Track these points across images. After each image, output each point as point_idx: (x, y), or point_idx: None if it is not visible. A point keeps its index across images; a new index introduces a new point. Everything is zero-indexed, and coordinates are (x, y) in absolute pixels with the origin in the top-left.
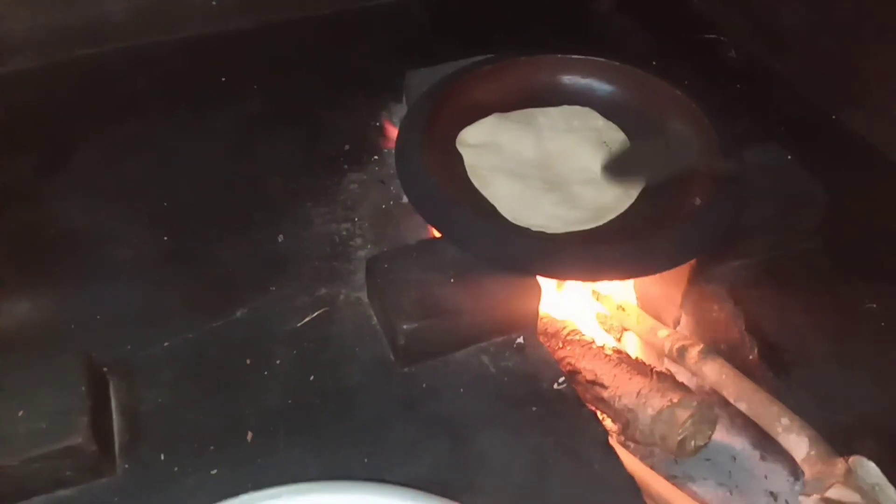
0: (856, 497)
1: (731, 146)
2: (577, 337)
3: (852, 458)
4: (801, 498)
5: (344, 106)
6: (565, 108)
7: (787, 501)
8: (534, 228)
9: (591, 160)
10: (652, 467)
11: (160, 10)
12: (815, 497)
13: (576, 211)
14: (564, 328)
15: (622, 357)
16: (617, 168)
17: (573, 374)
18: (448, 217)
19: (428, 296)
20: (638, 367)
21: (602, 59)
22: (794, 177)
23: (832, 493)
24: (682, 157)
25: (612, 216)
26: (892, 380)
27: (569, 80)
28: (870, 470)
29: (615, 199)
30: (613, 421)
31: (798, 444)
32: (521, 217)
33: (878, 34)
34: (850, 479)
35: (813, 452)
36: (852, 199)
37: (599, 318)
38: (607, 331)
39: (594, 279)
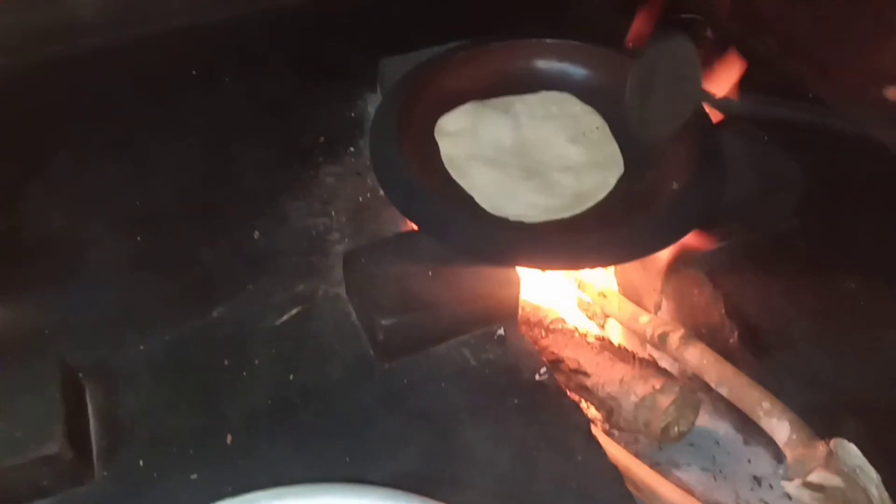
0: (837, 480)
1: (707, 128)
2: (560, 325)
3: (833, 441)
4: (783, 483)
5: (318, 97)
6: (543, 94)
7: (770, 485)
8: (511, 218)
9: (568, 147)
10: (636, 454)
11: (130, 4)
12: (797, 481)
13: (554, 199)
14: (547, 317)
15: (605, 344)
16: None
17: (556, 363)
18: (424, 209)
19: (406, 290)
20: (620, 354)
21: (577, 43)
22: (771, 157)
23: (814, 478)
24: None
25: (591, 203)
26: (873, 359)
27: (544, 64)
28: (851, 452)
29: (594, 186)
30: (597, 409)
31: (779, 427)
32: (499, 207)
33: (855, 11)
34: (831, 461)
35: (794, 436)
36: (830, 177)
37: (582, 306)
38: (590, 318)
39: (573, 268)
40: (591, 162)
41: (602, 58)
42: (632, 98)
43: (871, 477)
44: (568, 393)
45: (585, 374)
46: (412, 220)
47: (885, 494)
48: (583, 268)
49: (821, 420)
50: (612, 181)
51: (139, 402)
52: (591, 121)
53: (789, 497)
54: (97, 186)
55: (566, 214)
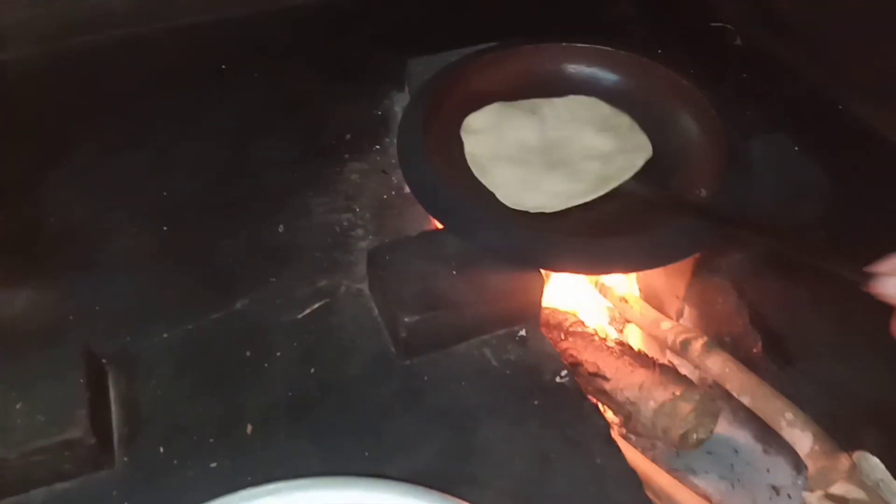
0: (860, 493)
1: (737, 137)
2: (580, 329)
3: (856, 454)
4: (804, 494)
5: (345, 94)
6: (571, 98)
7: (789, 495)
8: (532, 210)
9: (596, 139)
10: (654, 460)
11: None
12: (819, 493)
13: (577, 184)
14: (567, 320)
15: (624, 349)
16: None
17: (575, 367)
18: (450, 208)
19: (430, 288)
20: (640, 359)
21: (607, 48)
22: (799, 167)
23: (836, 489)
24: None
25: (615, 185)
26: None
27: (573, 68)
28: (874, 465)
29: (619, 169)
30: (615, 413)
31: (802, 439)
32: (519, 201)
33: (883, 20)
34: (854, 474)
35: (817, 448)
36: (857, 187)
37: (602, 310)
38: (610, 322)
39: (598, 272)
40: (618, 149)
41: (632, 64)
42: None
43: (894, 491)
44: (588, 396)
45: (605, 377)
46: (438, 219)
47: None
48: (608, 273)
49: (843, 432)
50: (639, 163)
51: (161, 391)
52: (621, 121)
53: None
54: (120, 177)
55: (589, 197)
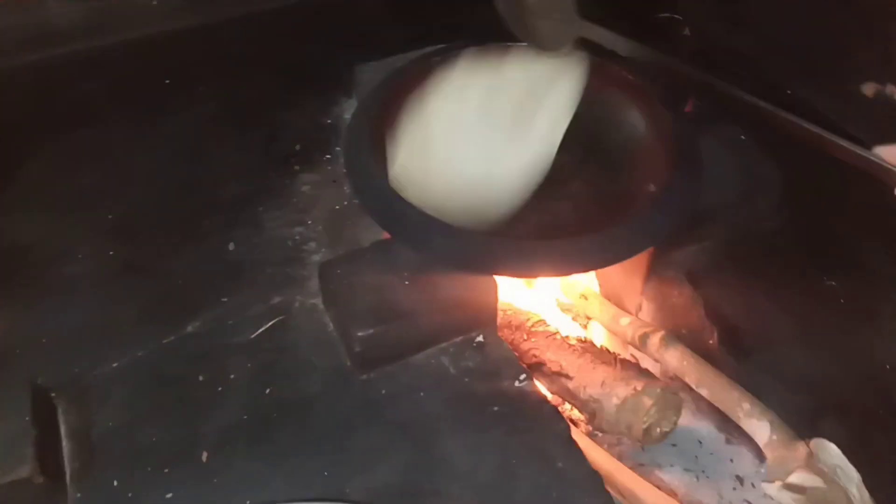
0: (817, 481)
1: (685, 129)
2: (542, 328)
3: (813, 441)
4: (763, 485)
5: (295, 104)
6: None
7: (753, 484)
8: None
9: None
10: (620, 456)
11: (107, 10)
12: (778, 484)
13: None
14: (529, 320)
15: (586, 346)
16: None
17: (539, 366)
18: (398, 217)
19: (383, 300)
20: (602, 356)
21: None
22: (751, 157)
23: (794, 479)
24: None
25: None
26: (854, 358)
27: None
28: (831, 452)
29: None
30: (581, 411)
31: (759, 428)
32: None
33: (835, 9)
34: (811, 462)
35: (774, 437)
36: (810, 176)
37: (565, 308)
38: (574, 319)
39: (551, 274)
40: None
41: None
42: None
43: (851, 477)
44: (549, 398)
45: (568, 376)
46: (387, 229)
47: (866, 494)
48: (562, 274)
49: (801, 420)
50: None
51: (113, 421)
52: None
53: (772, 497)
54: (70, 196)
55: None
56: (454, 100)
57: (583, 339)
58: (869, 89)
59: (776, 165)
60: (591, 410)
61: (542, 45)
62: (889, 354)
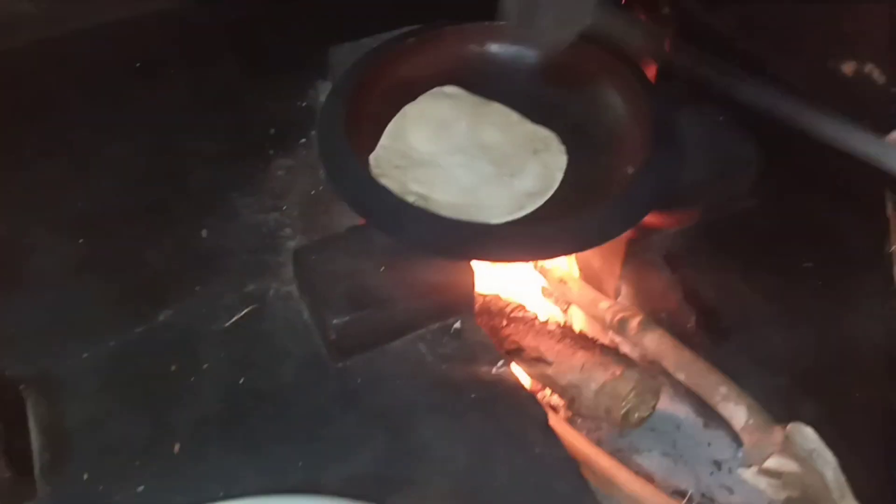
0: (793, 465)
1: (663, 110)
2: (521, 314)
3: (790, 426)
4: (740, 470)
5: (268, 87)
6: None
7: (730, 469)
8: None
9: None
10: (599, 441)
11: None
12: (754, 469)
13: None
14: (508, 305)
15: (566, 332)
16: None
17: (518, 352)
18: (372, 202)
19: (358, 286)
20: (581, 341)
21: None
22: (727, 138)
23: (770, 464)
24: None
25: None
26: (831, 340)
27: (498, 48)
28: (807, 436)
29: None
30: (560, 397)
31: (736, 412)
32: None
33: None
34: (787, 446)
35: (751, 421)
36: (787, 155)
37: (545, 292)
38: (555, 303)
39: (529, 259)
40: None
41: None
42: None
43: (827, 461)
44: (526, 384)
45: (547, 362)
46: (361, 215)
47: (842, 478)
48: (538, 259)
49: (779, 403)
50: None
51: (84, 413)
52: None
53: (748, 482)
54: (36, 188)
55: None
56: (438, 112)
57: (562, 325)
58: (848, 68)
59: (753, 146)
60: (571, 396)
61: (545, 33)
62: (866, 336)
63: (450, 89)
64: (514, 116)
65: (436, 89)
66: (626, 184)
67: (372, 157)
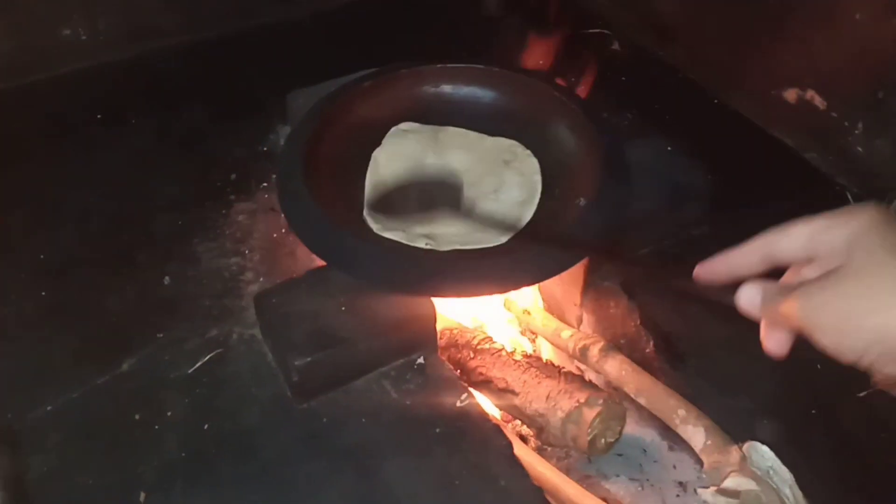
0: (751, 484)
1: (613, 143)
2: (488, 345)
3: (746, 445)
4: (699, 491)
5: (230, 132)
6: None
7: (695, 490)
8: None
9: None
10: (567, 469)
11: (33, 47)
12: (712, 489)
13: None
14: (475, 337)
15: (531, 361)
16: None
17: (486, 383)
18: (330, 243)
19: (320, 327)
20: (547, 370)
21: (481, 66)
22: (678, 166)
23: (728, 483)
24: None
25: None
26: (784, 361)
27: (451, 89)
28: (764, 454)
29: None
30: (528, 426)
31: (695, 434)
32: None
33: (756, 19)
34: (744, 466)
35: (709, 442)
36: (737, 179)
37: (510, 324)
38: (522, 333)
39: (483, 293)
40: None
41: (506, 79)
42: None
43: (784, 478)
44: (491, 416)
45: (514, 392)
46: (320, 256)
47: (799, 493)
48: (493, 293)
49: (737, 423)
50: (528, 214)
51: (48, 465)
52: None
53: (707, 503)
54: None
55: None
56: (405, 150)
57: (528, 355)
58: (791, 95)
59: (702, 174)
60: (539, 425)
61: None
62: (818, 354)
63: (406, 125)
64: (471, 135)
65: (394, 129)
66: (578, 215)
67: (366, 215)
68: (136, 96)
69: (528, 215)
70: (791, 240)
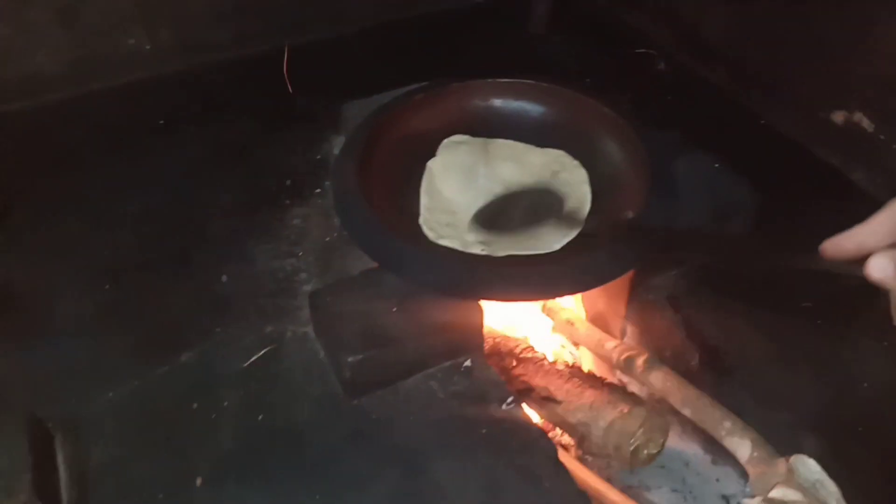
0: (797, 495)
1: (660, 157)
2: (530, 354)
3: (793, 457)
4: (745, 501)
5: (284, 141)
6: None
7: (739, 503)
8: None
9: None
10: (609, 479)
11: (93, 58)
12: (758, 499)
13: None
14: (518, 346)
15: (574, 371)
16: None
17: (528, 391)
18: (386, 246)
19: (372, 326)
20: (590, 380)
21: (531, 81)
22: (724, 183)
23: (775, 493)
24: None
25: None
26: (829, 376)
27: (501, 103)
28: (810, 467)
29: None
30: (570, 435)
31: (741, 446)
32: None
33: (800, 39)
34: (791, 478)
35: (755, 454)
36: (783, 198)
37: (553, 334)
38: (564, 345)
39: (532, 300)
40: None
41: (556, 95)
42: None
43: (830, 491)
44: (535, 421)
45: (556, 401)
46: (374, 258)
47: None
48: (543, 298)
49: (781, 437)
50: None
51: (108, 451)
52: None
53: None
54: (61, 239)
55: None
56: (458, 160)
57: (570, 364)
58: (838, 117)
59: (750, 188)
60: (580, 434)
61: None
62: (864, 372)
63: (458, 137)
64: (519, 146)
65: (446, 140)
66: (626, 227)
67: (422, 223)
68: (189, 107)
69: (578, 226)
70: None
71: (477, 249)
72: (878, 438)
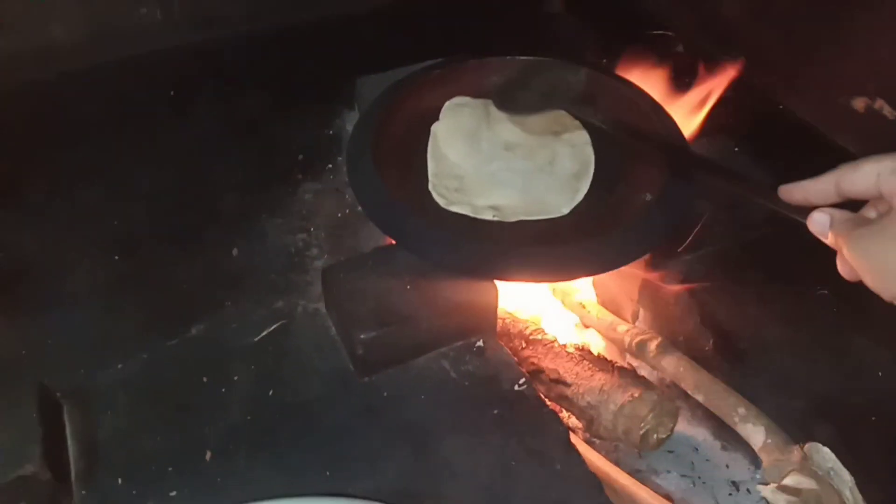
0: (811, 483)
1: (679, 141)
2: (540, 336)
3: (807, 445)
4: (759, 487)
5: (296, 117)
6: None
7: (748, 490)
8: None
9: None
10: (617, 462)
11: (105, 30)
12: (773, 486)
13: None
14: (527, 327)
15: (584, 354)
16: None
17: (537, 373)
18: (400, 223)
19: (384, 304)
20: (600, 363)
21: (549, 59)
22: (742, 167)
23: (788, 481)
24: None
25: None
26: (844, 363)
27: None
28: (825, 455)
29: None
30: (578, 418)
31: (755, 433)
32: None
33: (822, 24)
34: (805, 465)
35: (769, 441)
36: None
37: (563, 316)
38: (577, 326)
39: (548, 280)
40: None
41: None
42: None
43: (844, 479)
44: (547, 403)
45: (566, 383)
46: (389, 235)
47: (859, 496)
48: (559, 280)
49: (795, 424)
50: (585, 186)
51: (117, 422)
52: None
53: (767, 502)
54: (73, 211)
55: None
56: (461, 123)
57: (580, 347)
58: (859, 103)
59: (768, 173)
60: (589, 417)
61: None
62: (879, 360)
63: (459, 99)
64: None
65: (448, 103)
66: (644, 210)
67: (431, 189)
68: (202, 81)
69: (584, 187)
70: (861, 175)
71: (488, 215)
72: (892, 427)
